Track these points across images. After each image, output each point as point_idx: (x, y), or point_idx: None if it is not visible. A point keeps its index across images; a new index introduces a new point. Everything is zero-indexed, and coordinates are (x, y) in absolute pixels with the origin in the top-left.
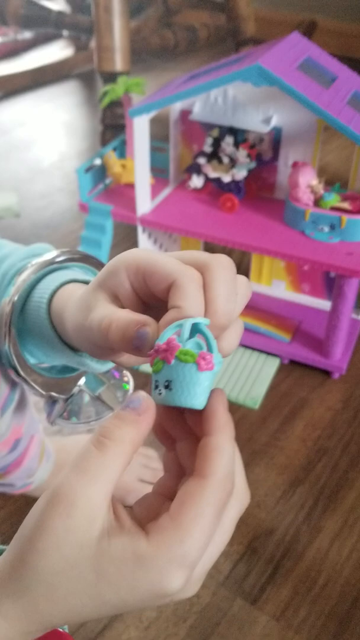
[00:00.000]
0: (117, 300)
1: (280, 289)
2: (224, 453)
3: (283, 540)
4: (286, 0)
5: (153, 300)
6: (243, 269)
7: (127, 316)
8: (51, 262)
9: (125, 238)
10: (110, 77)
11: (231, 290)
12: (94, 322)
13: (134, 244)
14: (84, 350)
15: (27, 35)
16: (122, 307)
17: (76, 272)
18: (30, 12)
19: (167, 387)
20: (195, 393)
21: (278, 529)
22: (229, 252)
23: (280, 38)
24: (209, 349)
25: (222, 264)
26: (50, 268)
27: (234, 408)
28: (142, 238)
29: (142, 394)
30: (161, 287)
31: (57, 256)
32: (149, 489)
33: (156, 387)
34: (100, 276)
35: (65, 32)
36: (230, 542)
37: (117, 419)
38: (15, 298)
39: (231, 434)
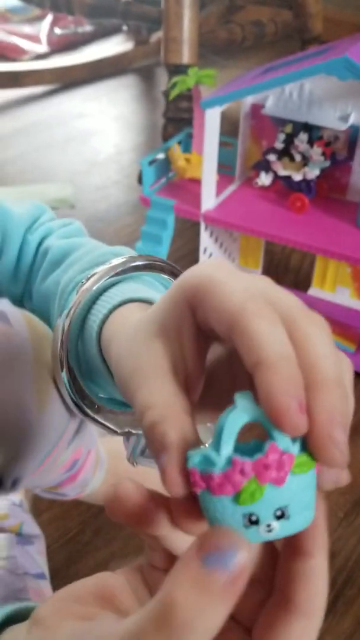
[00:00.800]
0: (178, 350)
1: (345, 296)
2: (325, 582)
3: (345, 566)
4: (351, 2)
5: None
6: (303, 273)
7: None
8: (117, 269)
9: (181, 234)
10: (176, 70)
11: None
12: (136, 405)
13: (189, 240)
14: None
15: (87, 28)
16: (183, 353)
17: (144, 282)
18: (96, 2)
19: (280, 517)
20: (311, 507)
21: (340, 554)
22: (289, 252)
23: None
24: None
25: (318, 324)
26: (117, 279)
27: None
28: (204, 235)
29: (240, 543)
30: (221, 328)
31: (126, 262)
32: None
33: (253, 522)
34: (158, 312)
35: (125, 26)
36: None
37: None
38: (73, 312)
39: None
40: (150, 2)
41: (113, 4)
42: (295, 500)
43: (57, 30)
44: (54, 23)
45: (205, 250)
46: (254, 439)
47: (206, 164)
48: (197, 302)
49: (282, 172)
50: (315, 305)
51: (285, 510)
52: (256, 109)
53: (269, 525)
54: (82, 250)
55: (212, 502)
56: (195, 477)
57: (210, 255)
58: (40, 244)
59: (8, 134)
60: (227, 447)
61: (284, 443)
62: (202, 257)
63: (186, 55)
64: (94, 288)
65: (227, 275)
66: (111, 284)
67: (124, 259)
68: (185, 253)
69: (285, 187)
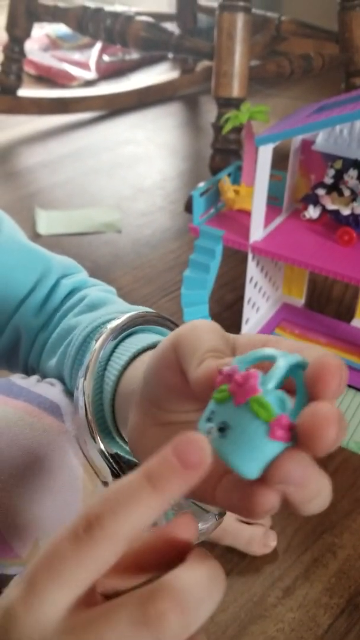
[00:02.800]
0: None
1: None
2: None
3: None
4: None
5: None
6: (345, 304)
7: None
8: (122, 328)
9: (225, 261)
10: (226, 103)
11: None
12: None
13: (232, 267)
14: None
15: (134, 55)
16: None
17: (152, 337)
18: (151, 35)
19: (221, 430)
20: (250, 458)
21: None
22: (331, 283)
23: None
24: (293, 414)
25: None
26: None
27: (336, 451)
28: (251, 265)
29: (197, 436)
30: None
31: (128, 320)
32: (247, 529)
33: (209, 419)
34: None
35: (170, 55)
36: (330, 594)
37: (141, 476)
38: (91, 370)
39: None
40: (202, 35)
41: (166, 37)
42: (238, 432)
43: (106, 58)
44: (102, 50)
45: (251, 279)
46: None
47: (256, 198)
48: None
49: (331, 206)
50: (356, 335)
51: (227, 429)
52: (306, 144)
53: (211, 429)
54: (115, 304)
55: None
56: (221, 373)
57: (256, 284)
58: (74, 289)
59: (57, 159)
60: (245, 362)
61: (267, 381)
62: (248, 285)
63: (236, 89)
64: (108, 346)
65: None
66: (125, 336)
67: (128, 317)
68: (228, 280)
69: (332, 221)
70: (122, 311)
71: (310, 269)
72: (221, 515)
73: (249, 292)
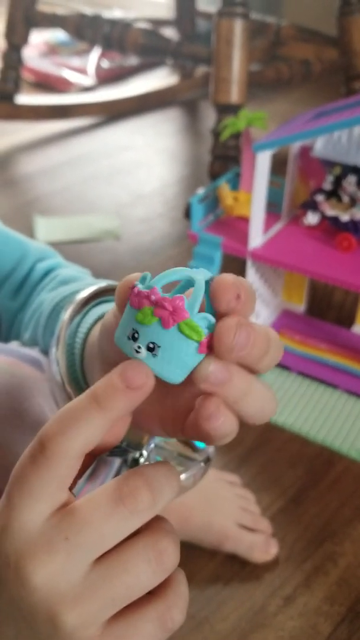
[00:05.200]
0: None
1: None
2: None
3: None
4: None
5: None
6: (346, 310)
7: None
8: (86, 301)
9: (224, 268)
10: (225, 109)
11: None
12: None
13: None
14: None
15: (132, 61)
16: None
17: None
18: (149, 42)
19: (151, 349)
20: (180, 371)
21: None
22: (331, 289)
23: None
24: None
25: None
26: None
27: (336, 459)
28: (250, 272)
29: (141, 363)
30: None
31: (97, 291)
32: (249, 535)
33: (134, 338)
34: None
35: (169, 61)
36: (331, 602)
37: (88, 399)
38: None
39: None
40: (201, 40)
41: (164, 44)
42: (170, 351)
43: (104, 63)
44: (101, 56)
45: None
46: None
47: (255, 204)
48: None
49: (330, 213)
50: (358, 342)
51: (156, 348)
52: (305, 150)
53: (139, 348)
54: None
55: (126, 312)
56: (133, 291)
57: (255, 290)
58: (49, 270)
59: (55, 166)
60: (161, 283)
61: (190, 306)
62: None
63: (235, 95)
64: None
65: None
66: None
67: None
68: None
69: (332, 227)
70: (91, 284)
71: (310, 275)
72: (206, 462)
73: None
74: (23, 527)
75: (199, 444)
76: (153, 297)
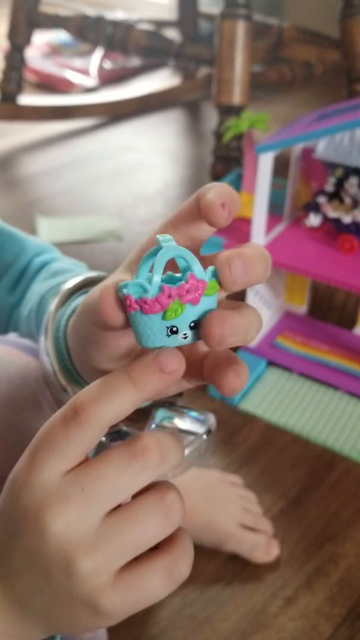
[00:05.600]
0: None
1: None
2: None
3: None
4: None
5: None
6: (348, 312)
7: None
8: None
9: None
10: (227, 110)
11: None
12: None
13: None
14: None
15: (135, 62)
16: None
17: None
18: (151, 43)
19: (193, 327)
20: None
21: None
22: (333, 290)
23: None
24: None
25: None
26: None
27: (337, 460)
28: None
29: (176, 351)
30: None
31: (84, 281)
32: (250, 536)
33: (173, 332)
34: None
35: (171, 62)
36: (332, 603)
37: (121, 376)
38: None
39: None
40: (203, 42)
41: (167, 45)
42: (204, 314)
43: (107, 64)
44: (103, 57)
45: (252, 287)
46: (168, 273)
47: (257, 206)
48: None
49: (332, 214)
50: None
51: (197, 322)
52: (307, 152)
53: (185, 334)
54: (76, 272)
55: (143, 320)
56: (130, 302)
57: (258, 292)
58: (44, 264)
59: (58, 167)
60: (157, 278)
61: (199, 273)
62: (250, 293)
63: (237, 96)
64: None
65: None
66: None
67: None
68: None
69: (334, 228)
70: (80, 275)
71: (312, 277)
72: (207, 433)
73: (250, 300)
74: (43, 482)
75: (199, 417)
76: (171, 292)
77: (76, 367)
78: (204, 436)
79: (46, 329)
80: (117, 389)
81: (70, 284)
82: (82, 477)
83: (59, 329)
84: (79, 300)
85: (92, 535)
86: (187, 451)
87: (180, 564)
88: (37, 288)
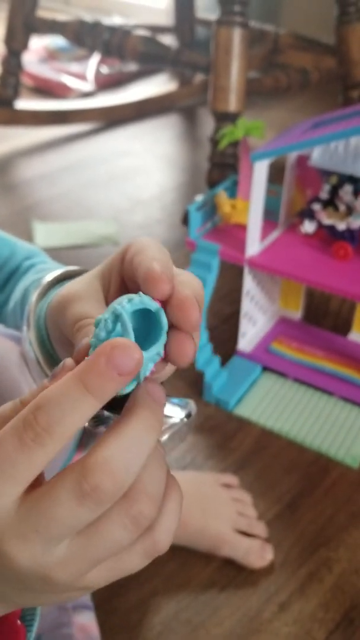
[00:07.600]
0: (107, 285)
1: None
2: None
3: None
4: None
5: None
6: (342, 318)
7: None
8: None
9: (221, 274)
10: (223, 117)
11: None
12: (74, 314)
13: (228, 280)
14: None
15: (131, 67)
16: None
17: None
18: (148, 49)
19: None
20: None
21: None
22: (328, 296)
23: None
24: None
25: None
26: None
27: (332, 465)
28: (248, 279)
29: (131, 344)
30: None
31: (65, 274)
32: (245, 541)
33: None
34: (101, 265)
35: (168, 68)
36: (326, 608)
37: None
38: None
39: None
40: (200, 48)
41: (163, 51)
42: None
43: (103, 69)
44: (100, 62)
45: (248, 293)
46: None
47: (252, 213)
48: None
49: (326, 221)
50: (354, 349)
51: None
52: (302, 160)
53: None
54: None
55: None
56: None
57: (253, 297)
58: (31, 266)
59: (54, 171)
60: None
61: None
62: (245, 299)
63: (233, 104)
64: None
65: (155, 247)
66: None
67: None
68: (226, 293)
69: (328, 235)
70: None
71: (307, 283)
72: (188, 417)
73: (246, 305)
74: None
75: (179, 402)
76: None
77: (58, 354)
78: (185, 419)
79: (28, 320)
80: (74, 402)
81: (50, 277)
82: (34, 518)
83: (40, 319)
84: (55, 292)
85: (62, 557)
86: (166, 436)
87: (138, 507)
88: (22, 284)
